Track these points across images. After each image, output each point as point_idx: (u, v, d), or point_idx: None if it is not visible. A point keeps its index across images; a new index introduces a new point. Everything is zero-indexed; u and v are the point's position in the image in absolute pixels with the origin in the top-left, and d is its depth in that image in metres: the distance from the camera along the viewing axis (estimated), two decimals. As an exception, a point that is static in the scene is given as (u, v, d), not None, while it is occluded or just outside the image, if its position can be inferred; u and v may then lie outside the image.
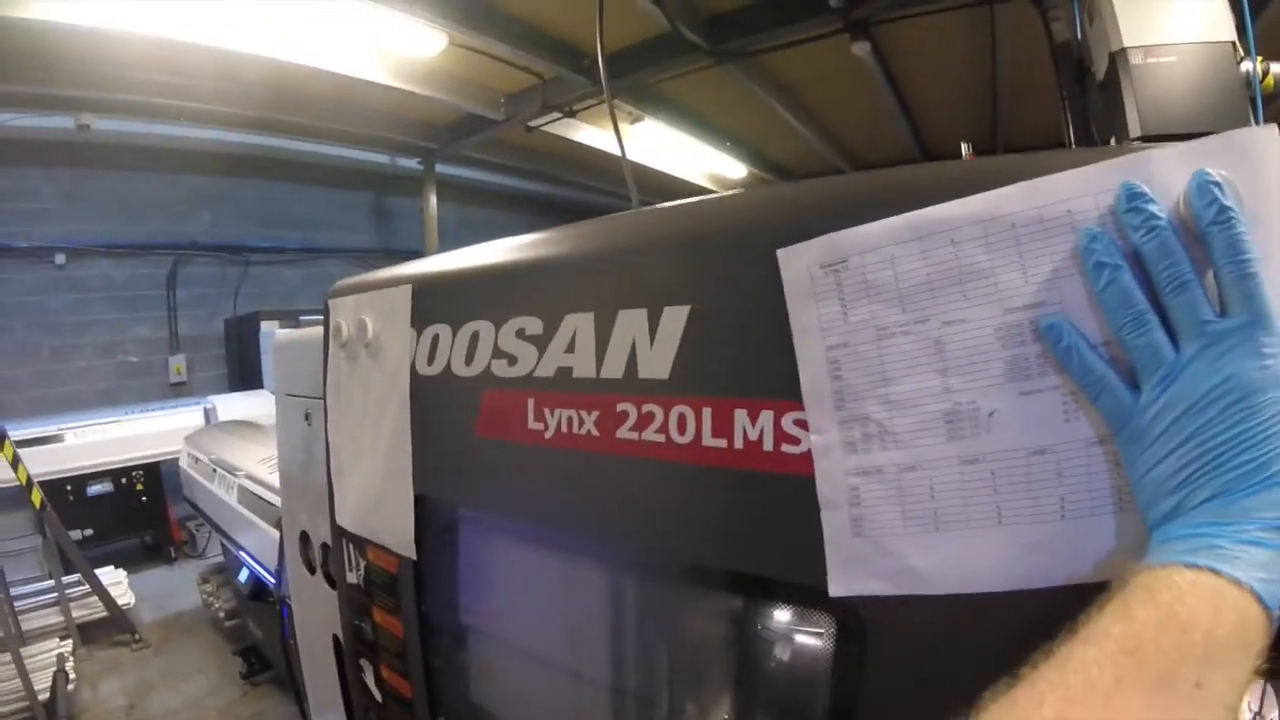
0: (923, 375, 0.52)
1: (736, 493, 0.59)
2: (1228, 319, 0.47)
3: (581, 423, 0.69)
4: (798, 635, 0.63)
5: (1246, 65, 1.60)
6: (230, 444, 3.67)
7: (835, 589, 0.56)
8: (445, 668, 1.01)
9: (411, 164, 7.25)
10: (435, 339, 0.89)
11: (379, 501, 1.03)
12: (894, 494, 0.53)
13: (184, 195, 6.67)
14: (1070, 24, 2.91)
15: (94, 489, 5.28)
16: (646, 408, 0.64)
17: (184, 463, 4.08)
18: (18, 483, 4.15)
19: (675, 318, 0.62)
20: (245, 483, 3.05)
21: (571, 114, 5.30)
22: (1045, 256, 0.49)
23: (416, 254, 7.35)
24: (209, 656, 4.13)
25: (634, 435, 0.65)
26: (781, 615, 0.64)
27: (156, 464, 5.51)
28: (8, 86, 4.49)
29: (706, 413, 0.60)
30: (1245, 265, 0.45)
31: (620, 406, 0.66)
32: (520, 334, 0.76)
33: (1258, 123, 1.85)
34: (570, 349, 0.70)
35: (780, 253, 0.57)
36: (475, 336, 0.82)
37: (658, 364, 0.63)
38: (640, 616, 0.76)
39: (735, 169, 7.03)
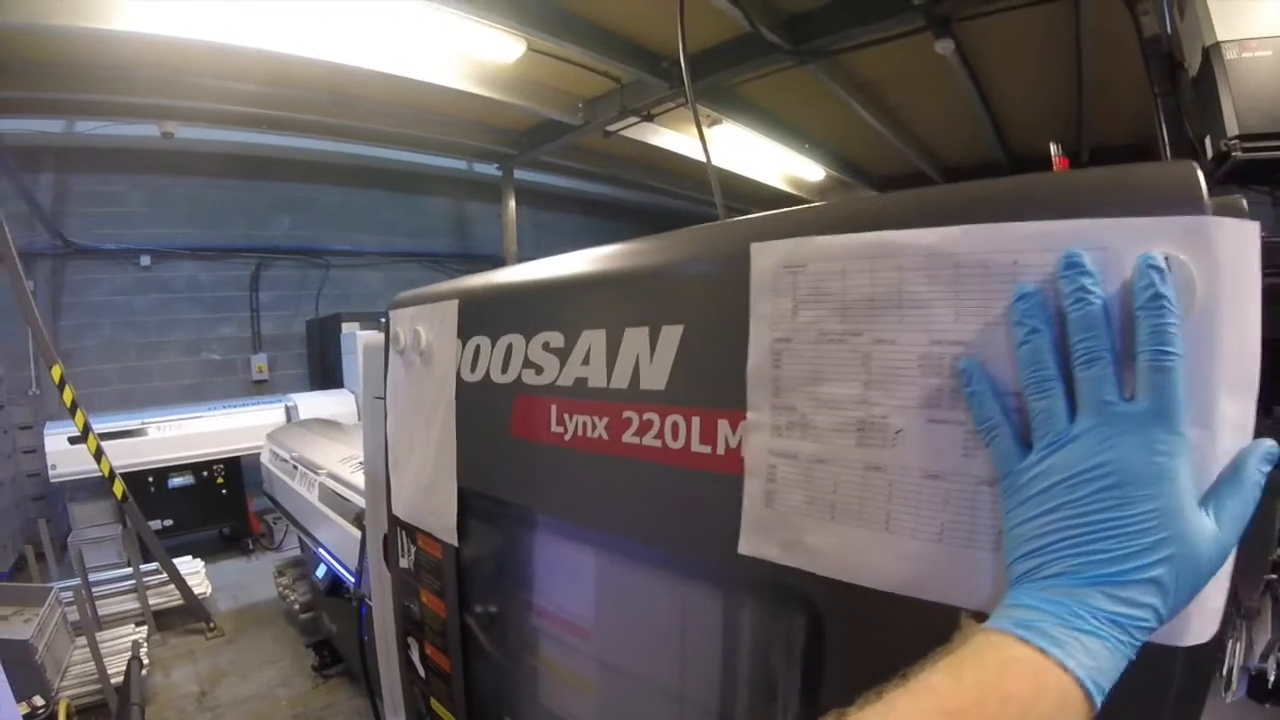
0: (848, 382, 0.61)
1: (719, 494, 0.71)
2: (1131, 404, 0.48)
3: (594, 427, 0.83)
4: (764, 622, 0.75)
5: None
6: (312, 442, 3.89)
7: (743, 548, 0.68)
8: (481, 647, 1.16)
9: (489, 169, 7.60)
10: (477, 349, 1.05)
11: (428, 493, 1.19)
12: (803, 479, 0.63)
13: (265, 200, 7.22)
14: (1160, 18, 2.87)
15: (175, 481, 5.76)
16: (646, 415, 0.77)
17: (265, 458, 4.35)
18: (101, 474, 4.54)
19: (671, 336, 0.74)
20: (327, 481, 3.20)
21: (650, 118, 5.48)
22: (981, 300, 0.54)
23: (495, 258, 7.72)
24: (281, 648, 4.42)
25: (636, 440, 0.78)
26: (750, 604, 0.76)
27: (237, 458, 5.97)
28: (95, 96, 4.93)
29: (695, 421, 0.72)
30: (1161, 358, 0.47)
31: (625, 414, 0.79)
32: (546, 346, 0.90)
33: None
34: (586, 361, 0.84)
35: (754, 246, 0.67)
36: (510, 348, 0.97)
37: (656, 377, 0.75)
38: (647, 604, 0.89)
39: (814, 171, 7.07)
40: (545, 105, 5.38)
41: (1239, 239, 0.48)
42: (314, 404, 5.90)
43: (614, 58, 4.57)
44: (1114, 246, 0.50)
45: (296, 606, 4.47)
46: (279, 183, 7.26)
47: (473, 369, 1.06)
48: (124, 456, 5.04)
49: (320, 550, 3.34)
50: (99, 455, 4.47)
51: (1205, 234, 0.48)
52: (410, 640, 1.34)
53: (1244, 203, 0.51)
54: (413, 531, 1.28)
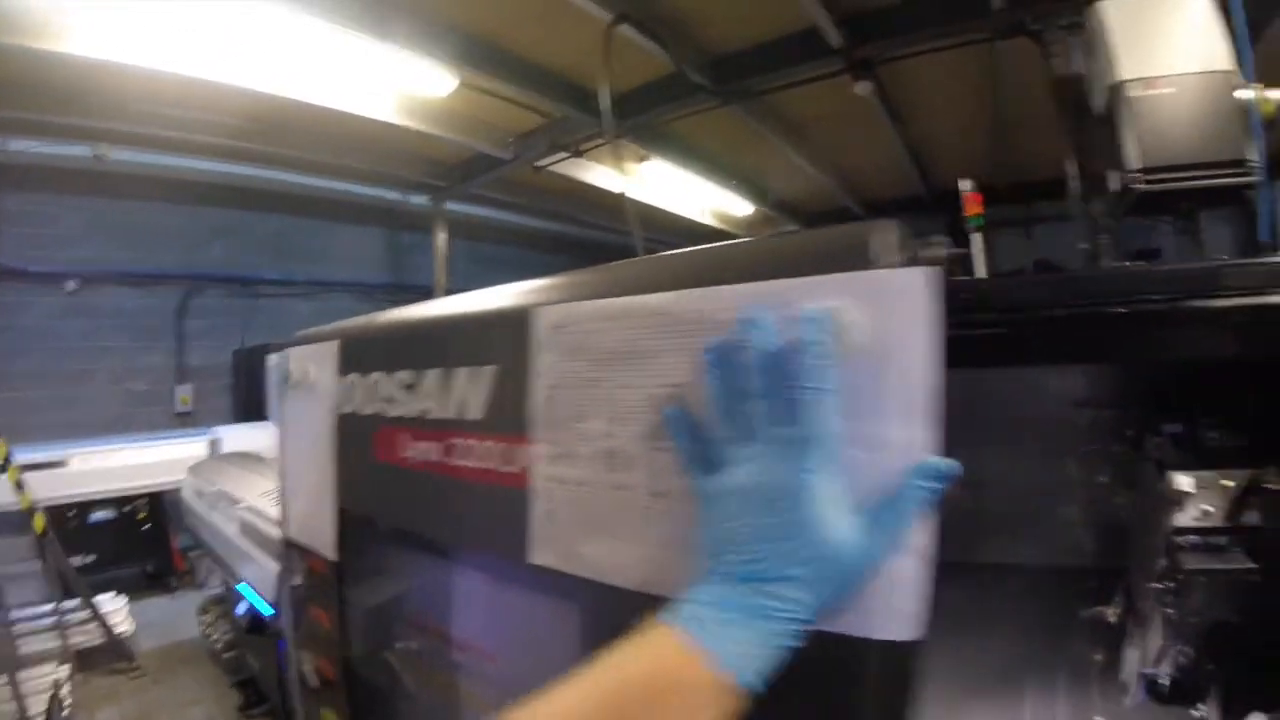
0: (599, 419, 0.78)
1: (523, 510, 0.87)
2: (788, 430, 0.58)
3: (433, 451, 1.01)
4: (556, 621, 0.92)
5: (1244, 93, 1.74)
6: (233, 475, 3.91)
7: (531, 558, 0.84)
8: (361, 654, 1.32)
9: (423, 201, 7.74)
10: (353, 384, 1.22)
11: (313, 514, 1.35)
12: (572, 498, 0.80)
13: (197, 227, 7.22)
14: (1068, 59, 3.14)
15: (97, 516, 5.69)
16: (469, 442, 0.94)
17: (186, 493, 4.35)
18: (21, 507, 4.47)
19: (488, 375, 0.92)
20: (246, 515, 3.24)
21: (579, 153, 5.71)
22: (690, 350, 0.68)
23: (426, 289, 7.76)
24: (207, 688, 4.38)
25: (462, 463, 0.96)
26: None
27: (159, 493, 5.92)
28: (28, 115, 4.94)
29: (503, 448, 0.89)
30: (808, 393, 0.58)
31: (454, 440, 0.97)
32: (400, 383, 1.08)
33: (1258, 151, 1.89)
34: (428, 395, 1.02)
35: (534, 310, 0.85)
36: (376, 383, 1.14)
37: (476, 409, 0.93)
38: (481, 606, 1.06)
39: (743, 207, 7.39)
40: (476, 139, 5.56)
41: (904, 287, 0.58)
42: (238, 437, 5.86)
43: (545, 94, 4.79)
44: (790, 301, 0.61)
45: (220, 645, 4.43)
46: (212, 208, 7.28)
47: (349, 401, 1.23)
48: (46, 489, 4.97)
49: (241, 586, 3.35)
50: (19, 487, 4.44)
51: (865, 286, 0.59)
52: (304, 654, 1.48)
53: (940, 252, 0.62)
54: (303, 551, 1.43)
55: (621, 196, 6.11)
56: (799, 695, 0.62)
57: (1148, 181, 1.79)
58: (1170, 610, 1.52)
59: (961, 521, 2.15)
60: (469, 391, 0.94)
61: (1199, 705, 1.75)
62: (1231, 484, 1.56)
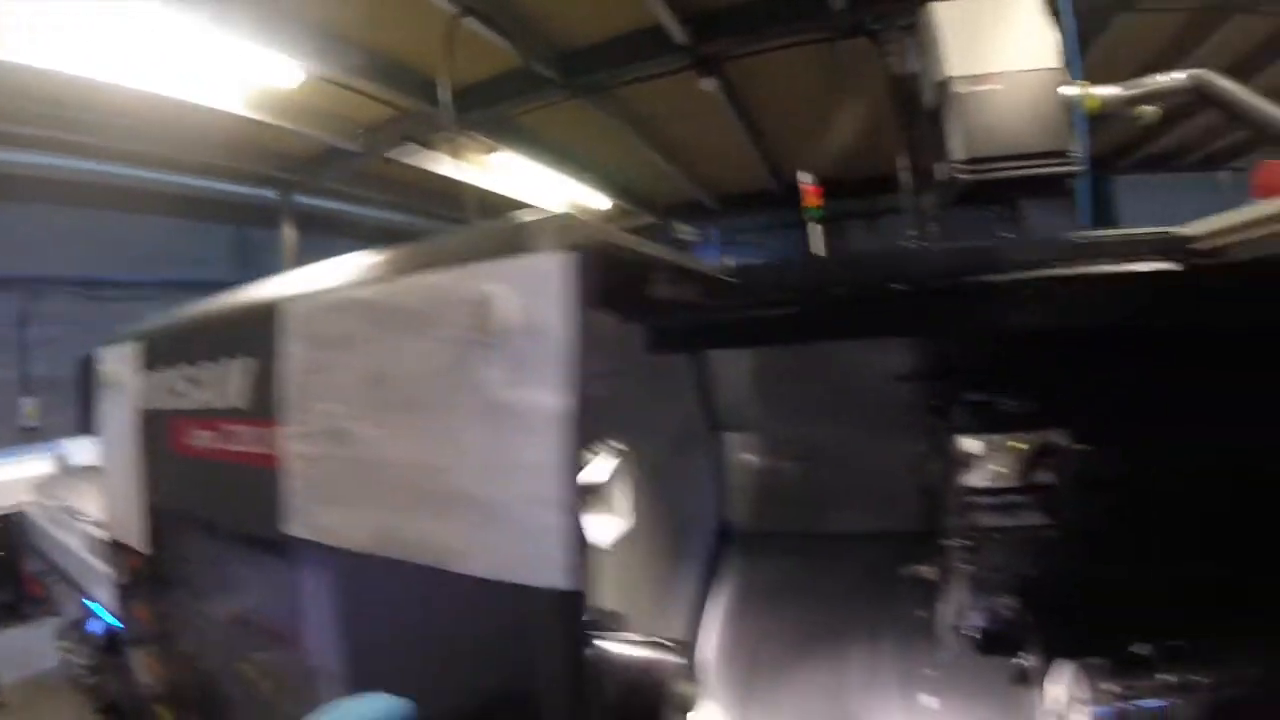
0: (330, 400, 0.91)
1: (274, 483, 0.98)
2: None
3: (210, 439, 1.11)
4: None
5: (1069, 90, 1.89)
6: (81, 490, 3.72)
7: (285, 529, 0.97)
8: (183, 646, 1.39)
9: (271, 195, 7.49)
10: (151, 380, 1.30)
11: (127, 510, 1.41)
12: (315, 473, 0.93)
13: (36, 226, 6.75)
14: (904, 59, 3.36)
15: (-64, 543, 5.31)
16: (235, 428, 1.06)
17: (33, 513, 4.19)
18: None
19: (249, 366, 1.03)
20: (94, 530, 3.09)
21: (429, 145, 5.70)
22: (393, 336, 0.83)
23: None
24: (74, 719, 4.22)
25: (232, 447, 1.07)
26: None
27: (6, 516, 5.56)
28: None
29: (259, 430, 1.01)
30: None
31: (225, 427, 1.08)
32: (186, 377, 1.17)
33: (1080, 143, 2.08)
34: (205, 387, 1.12)
35: (280, 304, 0.97)
36: (167, 378, 1.23)
37: (240, 398, 1.05)
38: (262, 577, 1.16)
39: (599, 200, 7.54)
40: (324, 131, 5.48)
41: (547, 271, 0.69)
42: (87, 449, 5.57)
43: (394, 87, 4.77)
44: (464, 287, 0.74)
45: (82, 671, 4.27)
46: (53, 207, 6.80)
47: (150, 398, 1.31)
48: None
49: (93, 604, 3.25)
50: None
51: (513, 271, 0.71)
52: (132, 649, 1.54)
53: (591, 239, 0.73)
54: (123, 548, 1.49)
55: (474, 187, 6.19)
56: (473, 639, 0.76)
57: (970, 172, 1.95)
58: (970, 566, 1.76)
59: (796, 493, 2.42)
60: (235, 381, 1.05)
61: (1020, 654, 1.99)
62: (1024, 446, 1.81)
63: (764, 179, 7.55)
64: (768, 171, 7.30)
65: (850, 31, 4.26)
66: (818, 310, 1.60)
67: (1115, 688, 1.31)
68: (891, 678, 1.96)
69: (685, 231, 8.70)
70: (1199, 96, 1.87)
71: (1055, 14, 2.04)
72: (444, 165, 6.11)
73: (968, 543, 1.79)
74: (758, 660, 2.02)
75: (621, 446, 1.35)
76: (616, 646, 0.99)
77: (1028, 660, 1.85)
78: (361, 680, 0.86)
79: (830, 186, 5.07)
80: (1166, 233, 1.50)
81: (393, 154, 5.86)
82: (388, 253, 0.93)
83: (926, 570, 2.07)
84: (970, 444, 1.79)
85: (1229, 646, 1.42)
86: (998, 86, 1.85)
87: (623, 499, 1.40)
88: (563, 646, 0.74)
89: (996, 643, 1.89)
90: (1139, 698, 1.32)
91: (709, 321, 1.63)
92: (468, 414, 0.76)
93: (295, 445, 0.95)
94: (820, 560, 2.29)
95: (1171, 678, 1.33)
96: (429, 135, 5.54)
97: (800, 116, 5.94)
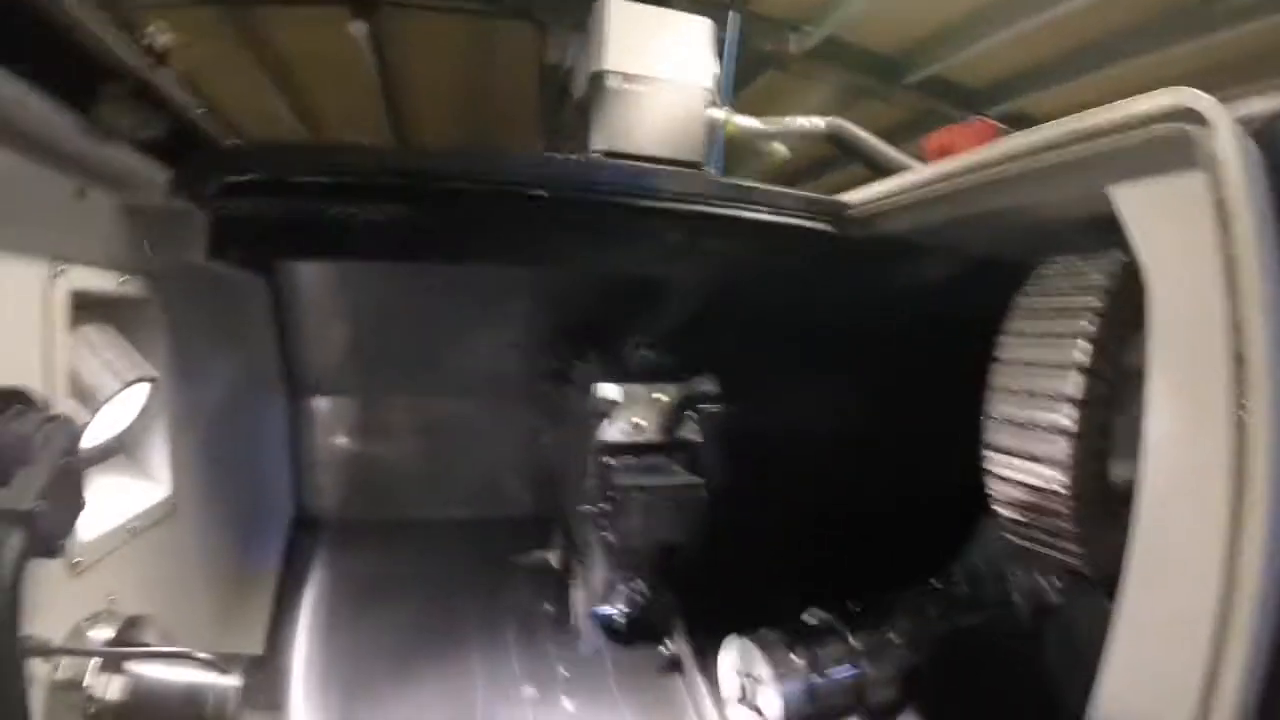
0: None
1: None
2: None
3: None
4: None
5: (716, 112, 1.93)
6: None
7: None
8: None
9: None
10: None
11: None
12: None
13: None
14: (563, 48, 3.30)
15: None
16: None
17: None
18: None
19: None
20: None
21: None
22: None
23: None
24: None
25: None
26: None
27: None
28: None
29: None
30: None
31: None
32: None
33: (716, 161, 2.18)
34: None
35: None
36: None
37: None
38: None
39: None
40: None
41: None
42: None
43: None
44: None
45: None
46: None
47: None
48: None
49: None
50: None
51: None
52: None
53: None
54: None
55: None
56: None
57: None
58: (609, 534, 1.60)
59: (395, 472, 2.07)
60: None
61: (666, 641, 1.88)
62: (664, 398, 1.72)
63: (384, 133, 7.16)
64: (390, 133, 6.92)
65: (515, 14, 4.16)
66: (425, 217, 1.37)
67: (800, 661, 1.22)
68: (524, 680, 1.72)
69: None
70: (834, 141, 2.03)
71: (720, 46, 2.20)
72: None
73: (601, 507, 1.63)
74: (360, 672, 1.66)
75: (153, 375, 1.11)
76: (143, 667, 0.83)
77: (675, 645, 1.81)
78: None
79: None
80: (825, 198, 1.54)
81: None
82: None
83: (553, 556, 1.93)
84: (605, 389, 1.65)
85: (912, 603, 1.43)
86: (648, 90, 1.90)
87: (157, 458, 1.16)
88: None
89: (639, 629, 1.78)
90: (828, 668, 1.27)
91: (287, 218, 1.32)
92: None
93: None
94: (428, 551, 1.97)
95: (858, 643, 1.29)
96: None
97: (442, 92, 5.65)
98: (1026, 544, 1.14)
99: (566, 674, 1.71)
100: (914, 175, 1.31)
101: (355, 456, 2.06)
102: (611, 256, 1.67)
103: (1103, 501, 1.03)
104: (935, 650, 1.31)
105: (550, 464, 2.01)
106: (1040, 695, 1.25)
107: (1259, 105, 0.75)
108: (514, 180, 1.34)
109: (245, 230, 1.35)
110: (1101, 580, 1.11)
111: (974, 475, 1.31)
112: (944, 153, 1.23)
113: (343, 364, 1.98)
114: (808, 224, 1.51)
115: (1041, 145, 0.99)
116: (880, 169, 1.82)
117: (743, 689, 1.32)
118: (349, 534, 1.99)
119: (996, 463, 1.14)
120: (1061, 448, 1.02)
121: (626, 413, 1.66)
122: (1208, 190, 0.72)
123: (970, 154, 1.15)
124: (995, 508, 1.17)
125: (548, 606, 1.86)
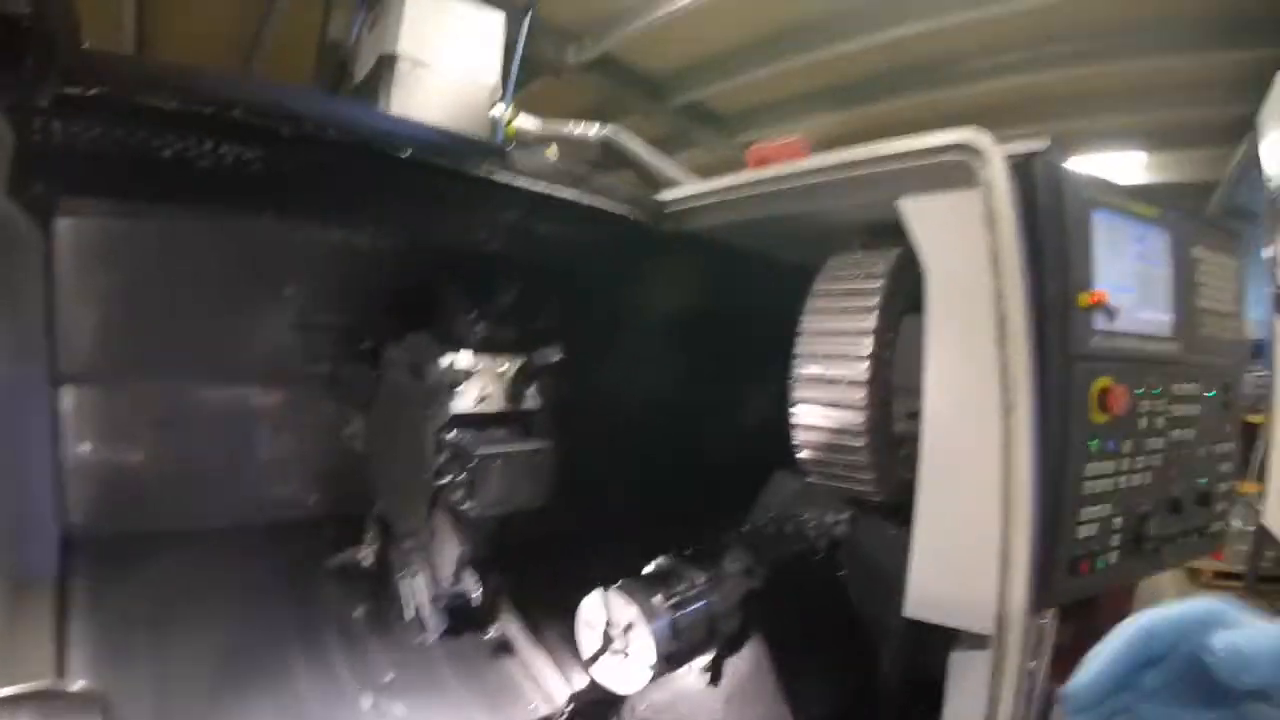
0: None
1: None
2: None
3: None
4: None
5: (499, 109, 2.00)
6: None
7: None
8: None
9: None
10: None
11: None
12: None
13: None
14: (349, 26, 3.16)
15: None
16: None
17: None
18: None
19: None
20: None
21: None
22: None
23: None
24: None
25: None
26: None
27: None
28: None
29: None
30: None
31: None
32: None
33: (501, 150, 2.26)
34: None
35: None
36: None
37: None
38: None
39: None
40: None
41: None
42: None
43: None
44: None
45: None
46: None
47: None
48: None
49: None
50: None
51: None
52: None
53: None
54: None
55: None
56: None
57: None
58: (467, 506, 1.60)
59: (180, 475, 1.74)
60: None
61: (494, 624, 1.87)
62: (505, 368, 1.78)
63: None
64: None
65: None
66: (283, 160, 1.25)
67: (662, 599, 1.35)
68: (349, 688, 1.64)
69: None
70: (608, 149, 2.16)
71: (510, 50, 2.25)
72: None
73: (452, 480, 1.67)
74: (170, 702, 1.45)
75: None
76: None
77: (510, 628, 1.87)
78: None
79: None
80: (641, 194, 1.71)
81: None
82: None
83: (362, 553, 1.88)
84: (464, 361, 1.69)
85: (736, 543, 1.60)
86: (433, 78, 1.95)
87: None
88: None
89: (465, 615, 1.81)
90: (685, 604, 1.39)
91: (123, 148, 1.12)
92: None
93: None
94: (229, 561, 1.73)
95: (702, 575, 1.44)
96: None
97: (205, 41, 5.15)
98: (828, 481, 1.42)
99: (392, 674, 1.70)
100: (734, 178, 1.55)
101: (135, 457, 1.70)
102: (433, 223, 1.70)
103: (887, 439, 1.34)
104: (764, 580, 1.53)
105: (360, 456, 1.93)
106: (848, 606, 1.53)
107: (1019, 147, 1.07)
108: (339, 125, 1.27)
109: (67, 161, 1.13)
110: (885, 506, 1.43)
111: (763, 439, 1.58)
112: (763, 162, 1.48)
113: (120, 347, 1.62)
114: (620, 213, 1.65)
115: (848, 163, 1.28)
116: (651, 179, 1.98)
117: (605, 640, 1.36)
118: (134, 546, 1.65)
119: (803, 414, 1.41)
120: (858, 394, 1.31)
121: (474, 385, 1.72)
122: (982, 203, 1.03)
123: (786, 164, 1.43)
124: (800, 453, 1.43)
125: (364, 606, 1.82)
